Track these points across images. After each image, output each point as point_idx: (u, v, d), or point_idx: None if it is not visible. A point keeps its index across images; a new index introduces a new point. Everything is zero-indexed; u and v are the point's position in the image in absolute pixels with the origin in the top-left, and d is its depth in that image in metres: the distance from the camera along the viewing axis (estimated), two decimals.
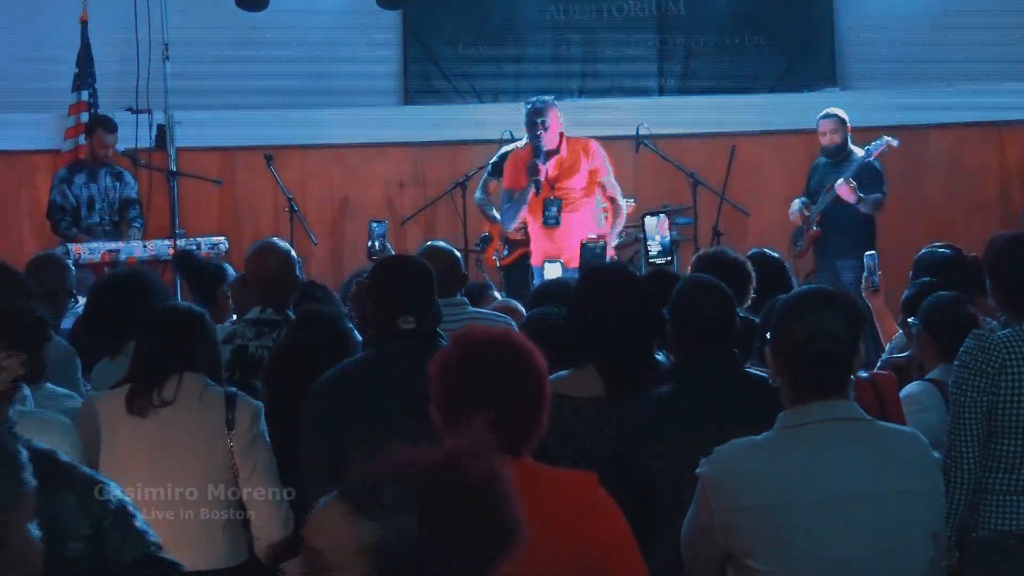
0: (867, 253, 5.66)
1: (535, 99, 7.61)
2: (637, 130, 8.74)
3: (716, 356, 3.52)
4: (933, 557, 2.89)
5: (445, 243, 5.24)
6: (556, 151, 7.41)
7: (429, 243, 5.23)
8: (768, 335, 2.89)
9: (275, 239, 5.12)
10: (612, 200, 7.50)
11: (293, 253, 4.88)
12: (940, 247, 5.58)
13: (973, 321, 4.32)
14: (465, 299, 4.86)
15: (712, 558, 2.87)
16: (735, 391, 3.41)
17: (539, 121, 7.36)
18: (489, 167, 8.73)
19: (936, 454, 2.96)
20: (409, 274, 3.88)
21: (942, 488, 2.95)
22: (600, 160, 7.50)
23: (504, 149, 8.72)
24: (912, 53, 10.19)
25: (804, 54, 10.50)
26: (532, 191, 7.32)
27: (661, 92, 10.46)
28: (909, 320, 4.85)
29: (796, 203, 8.58)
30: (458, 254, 5.14)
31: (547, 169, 7.37)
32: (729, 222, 8.98)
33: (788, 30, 10.50)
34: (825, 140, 8.50)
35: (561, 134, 7.46)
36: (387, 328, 3.79)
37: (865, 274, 5.46)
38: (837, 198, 8.23)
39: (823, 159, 8.64)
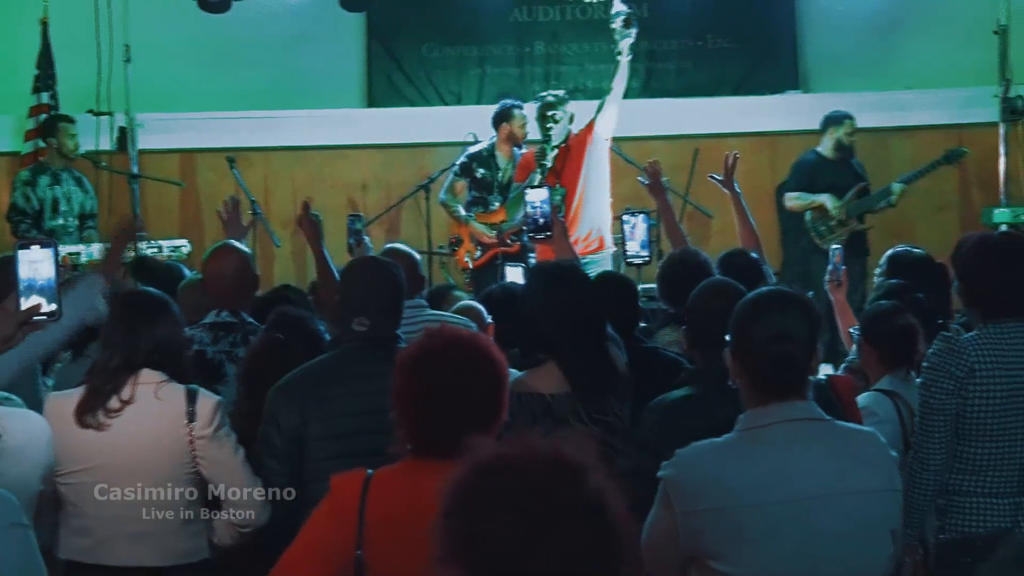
0: (833, 247, 5.61)
1: (546, 93, 7.99)
2: None
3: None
4: (892, 554, 2.91)
5: (404, 245, 5.24)
6: (564, 143, 7.70)
7: (388, 245, 5.23)
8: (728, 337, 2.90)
9: (232, 241, 5.08)
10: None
11: (250, 254, 4.85)
12: (912, 248, 5.57)
13: (912, 331, 4.32)
14: (424, 301, 4.87)
15: (673, 562, 2.86)
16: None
17: (550, 115, 7.74)
18: (456, 168, 8.73)
19: (894, 453, 2.97)
20: (371, 276, 3.89)
21: (900, 486, 2.96)
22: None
23: (470, 151, 8.73)
24: (873, 57, 10.28)
25: (767, 57, 10.56)
26: (538, 177, 7.44)
27: (624, 95, 10.46)
28: (850, 330, 4.82)
29: (829, 198, 8.64)
30: (417, 256, 5.18)
31: (551, 159, 7.63)
32: (692, 224, 8.99)
33: (751, 33, 10.55)
34: (851, 138, 8.73)
35: (570, 131, 7.75)
36: (344, 328, 3.82)
37: (830, 267, 5.39)
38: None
39: (816, 156, 8.78)
